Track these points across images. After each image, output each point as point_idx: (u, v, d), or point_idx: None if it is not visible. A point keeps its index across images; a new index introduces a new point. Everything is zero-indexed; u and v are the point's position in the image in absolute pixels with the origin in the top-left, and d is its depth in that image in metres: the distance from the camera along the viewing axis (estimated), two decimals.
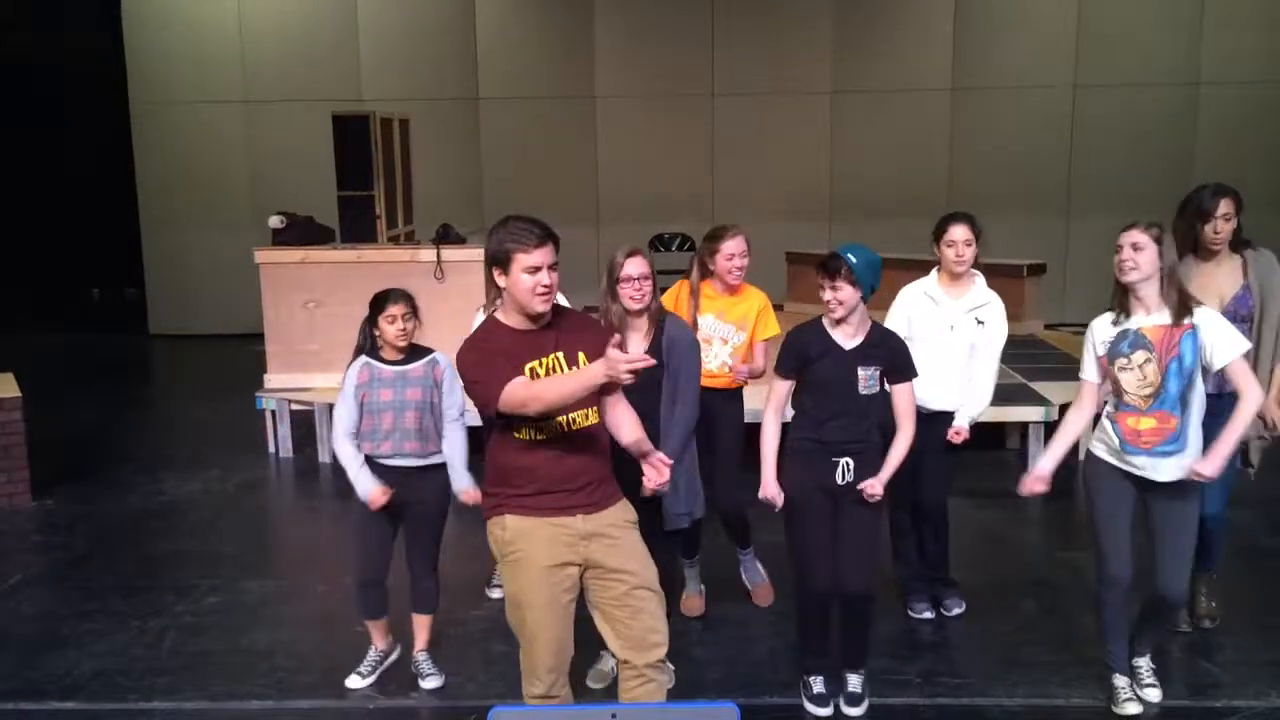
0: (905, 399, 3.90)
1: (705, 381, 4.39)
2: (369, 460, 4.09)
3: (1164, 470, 3.74)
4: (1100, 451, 3.88)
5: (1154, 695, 4.02)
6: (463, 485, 4.12)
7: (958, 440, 4.58)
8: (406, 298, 4.08)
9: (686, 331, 4.22)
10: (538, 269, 3.07)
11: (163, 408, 9.72)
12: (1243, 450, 4.37)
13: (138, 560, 5.71)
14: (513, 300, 3.14)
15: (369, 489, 4.03)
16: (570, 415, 3.14)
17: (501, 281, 3.12)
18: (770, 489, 3.92)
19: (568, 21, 12.01)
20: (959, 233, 4.53)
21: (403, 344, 4.07)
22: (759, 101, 11.89)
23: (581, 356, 3.17)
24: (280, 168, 11.58)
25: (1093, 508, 3.92)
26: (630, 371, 2.89)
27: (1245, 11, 11.46)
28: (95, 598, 5.19)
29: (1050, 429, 6.70)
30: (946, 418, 4.59)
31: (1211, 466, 3.66)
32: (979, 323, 4.56)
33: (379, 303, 4.07)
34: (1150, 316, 3.73)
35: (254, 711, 4.15)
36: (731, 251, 4.60)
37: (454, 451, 4.13)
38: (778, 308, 4.83)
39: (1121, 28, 11.50)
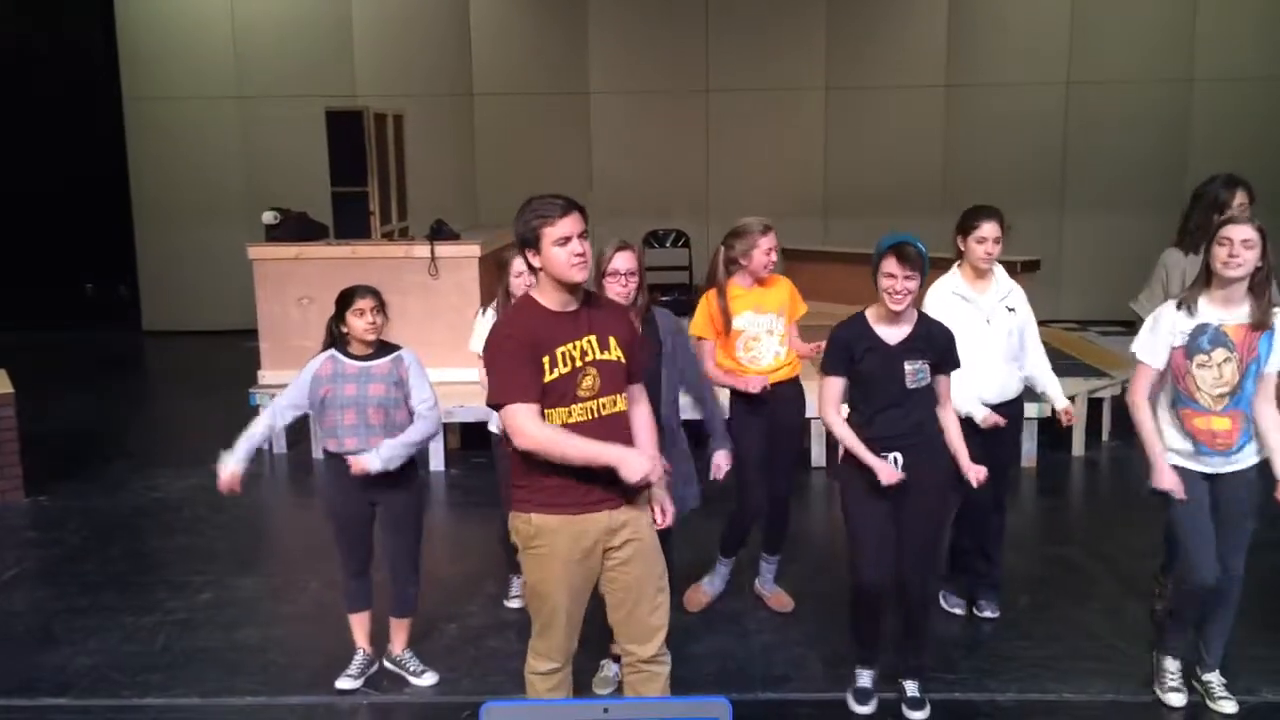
0: (945, 387, 3.86)
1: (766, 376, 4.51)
2: (337, 458, 4.05)
3: (1236, 464, 3.73)
4: (1170, 457, 3.77)
5: (1230, 707, 3.92)
6: (365, 458, 3.94)
7: (1070, 421, 4.56)
8: (374, 293, 4.07)
9: (675, 321, 4.24)
10: (567, 239, 3.06)
11: (156, 404, 9.71)
12: None
13: (131, 556, 5.71)
14: (549, 278, 3.12)
15: (229, 466, 4.08)
16: (601, 399, 3.14)
17: (536, 262, 3.11)
18: (882, 466, 3.74)
19: (562, 17, 12.00)
20: (990, 229, 4.41)
21: (371, 338, 4.05)
22: (753, 97, 11.89)
23: (613, 341, 3.17)
24: (274, 164, 11.56)
25: (1173, 514, 3.80)
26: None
27: (1238, 8, 11.48)
28: (88, 594, 5.19)
29: (1044, 425, 6.72)
30: (1003, 410, 4.51)
31: None
32: (1010, 310, 4.53)
33: (346, 298, 4.06)
34: (1230, 314, 3.66)
35: (247, 707, 4.15)
36: (769, 246, 4.58)
37: (408, 432, 4.02)
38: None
39: (1115, 24, 11.53)
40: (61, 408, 8.67)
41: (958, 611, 4.76)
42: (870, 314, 3.82)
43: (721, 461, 4.29)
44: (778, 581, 4.96)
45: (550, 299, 3.15)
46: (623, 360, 3.19)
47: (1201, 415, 3.69)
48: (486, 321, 4.70)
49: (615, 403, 3.18)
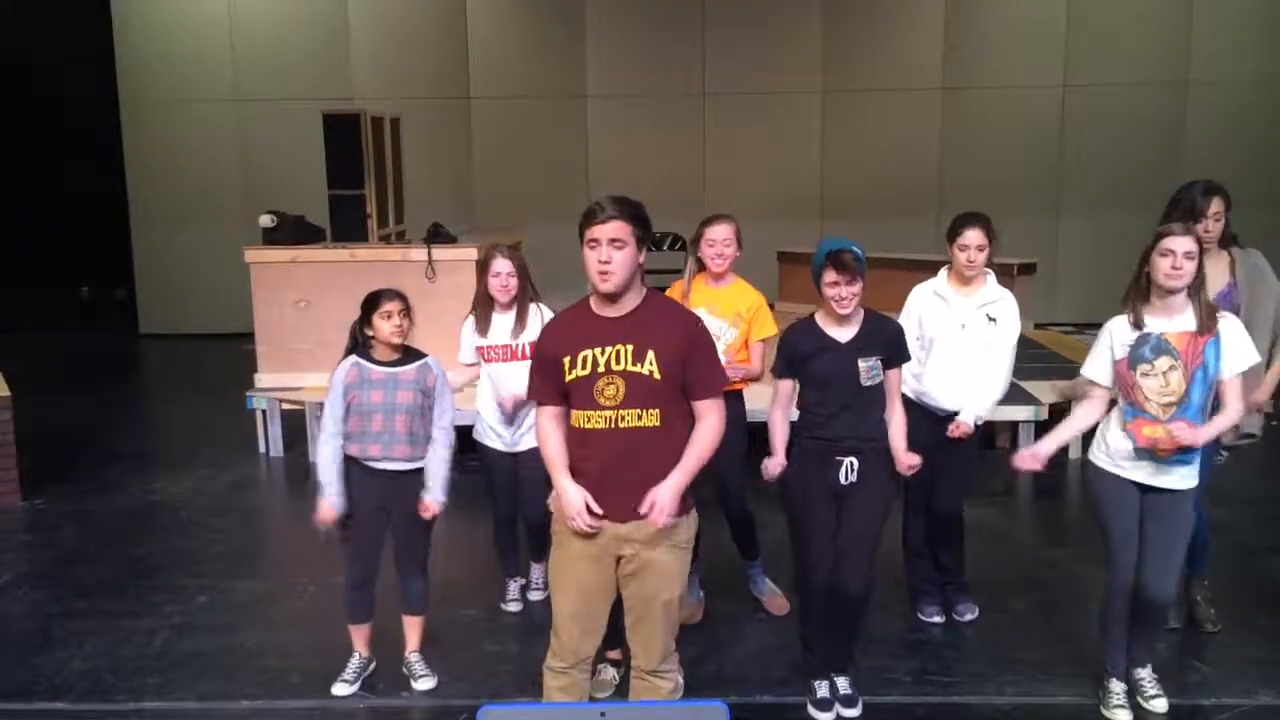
0: (895, 380, 3.93)
1: None
2: (356, 462, 4.06)
3: (1171, 478, 3.74)
4: (1102, 461, 3.83)
5: (1160, 705, 3.95)
6: (431, 497, 4.06)
7: (956, 434, 4.46)
8: (401, 296, 4.04)
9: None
10: (597, 243, 3.04)
11: (153, 407, 9.70)
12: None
13: (127, 560, 5.70)
14: (588, 280, 3.13)
15: (328, 504, 4.03)
16: (623, 410, 3.09)
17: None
18: (776, 460, 3.90)
19: (559, 20, 12.01)
20: (972, 237, 4.41)
21: (397, 341, 4.02)
22: (750, 101, 11.91)
23: (651, 355, 3.07)
24: (271, 166, 11.56)
25: (1101, 515, 3.86)
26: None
27: (1233, 10, 11.52)
28: (85, 597, 5.18)
29: (1040, 429, 6.72)
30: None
31: (1190, 435, 3.62)
32: (990, 320, 4.48)
33: (373, 301, 4.02)
34: (1173, 322, 3.69)
35: (244, 711, 4.14)
36: (714, 238, 4.52)
37: (434, 463, 4.08)
38: (769, 307, 4.79)
39: (1110, 27, 11.56)
40: (58, 410, 8.66)
41: (937, 620, 4.74)
42: (819, 316, 3.89)
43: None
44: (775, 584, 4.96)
45: (596, 300, 3.17)
46: (657, 376, 3.07)
47: (1149, 424, 3.69)
48: (469, 331, 4.68)
49: (641, 416, 3.09)
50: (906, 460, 3.92)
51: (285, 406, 7.56)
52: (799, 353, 3.87)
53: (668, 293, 4.57)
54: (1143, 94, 11.56)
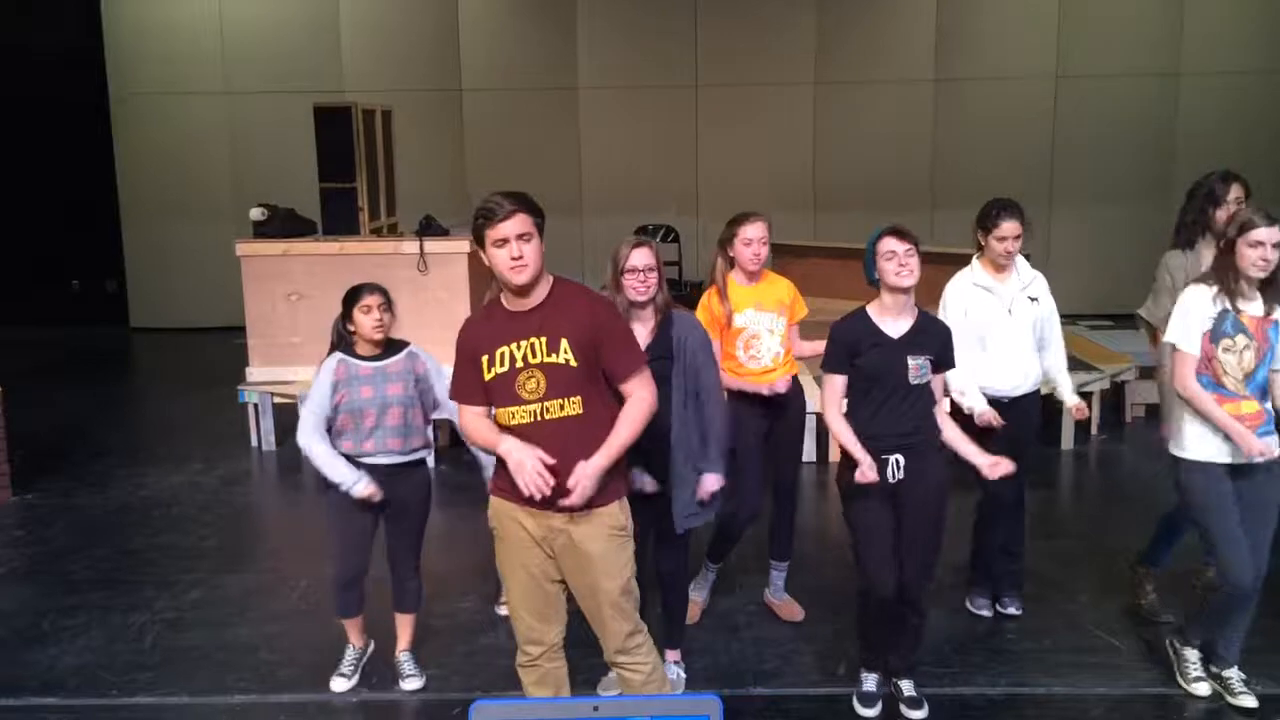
0: (940, 386, 3.84)
1: (760, 377, 4.45)
2: (349, 459, 4.02)
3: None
4: (1200, 452, 3.80)
5: (1249, 701, 3.91)
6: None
7: (1082, 416, 4.61)
8: (381, 290, 4.00)
9: (697, 330, 4.03)
10: (505, 241, 3.05)
11: (144, 401, 9.66)
12: None
13: (119, 555, 5.68)
14: (498, 278, 3.14)
15: (356, 483, 3.94)
16: (546, 402, 3.09)
17: (485, 261, 3.13)
18: (867, 462, 3.66)
19: (551, 11, 11.97)
20: (1011, 228, 4.39)
21: (378, 336, 3.99)
22: (742, 93, 11.88)
23: (564, 344, 3.09)
24: (261, 159, 11.52)
25: (1207, 516, 3.82)
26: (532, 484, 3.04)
27: (1225, 2, 11.52)
28: (76, 593, 5.16)
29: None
30: (1026, 402, 4.54)
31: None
32: (1032, 300, 4.52)
33: (353, 296, 3.99)
34: (1246, 305, 3.76)
35: (237, 705, 4.13)
36: (750, 236, 4.46)
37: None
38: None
39: (1103, 19, 11.55)
40: (49, 405, 8.63)
41: (985, 613, 4.70)
42: (872, 309, 3.79)
43: (710, 485, 3.95)
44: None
45: (508, 298, 3.17)
46: (573, 363, 3.08)
47: (1230, 400, 3.75)
48: None
49: (563, 406, 3.09)
50: (995, 468, 3.75)
51: (277, 400, 7.54)
52: (852, 346, 3.74)
53: (703, 298, 4.55)
54: (1135, 85, 11.56)
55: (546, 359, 3.09)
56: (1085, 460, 7.18)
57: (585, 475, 3.07)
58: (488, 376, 3.14)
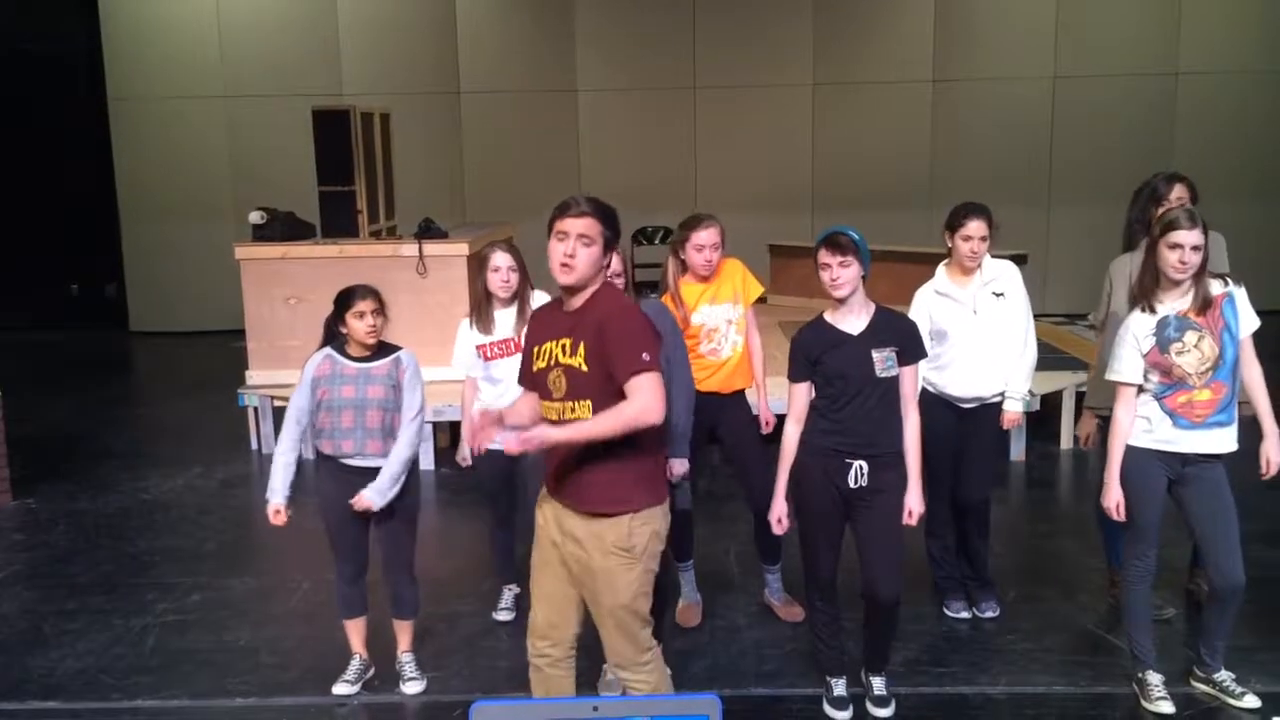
0: (910, 381, 3.78)
1: (714, 383, 4.44)
2: (331, 460, 4.02)
3: (1211, 442, 3.73)
4: (1139, 440, 3.80)
5: (1252, 701, 3.88)
6: (369, 491, 3.93)
7: (1010, 427, 4.53)
8: (374, 294, 3.99)
9: (665, 315, 4.09)
10: (565, 236, 3.06)
11: (144, 405, 9.66)
12: None
13: (119, 558, 5.69)
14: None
15: (269, 501, 4.00)
16: (566, 402, 3.11)
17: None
18: (779, 509, 3.82)
19: (549, 15, 11.99)
20: (976, 227, 4.37)
21: (371, 341, 3.98)
22: (741, 94, 11.90)
23: (582, 348, 3.08)
24: (260, 163, 11.53)
25: (1134, 504, 3.83)
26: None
27: (1223, 1, 11.53)
28: (77, 596, 5.17)
29: (1030, 420, 6.75)
30: (994, 407, 4.52)
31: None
32: (997, 295, 4.46)
33: (345, 299, 3.98)
34: (1183, 302, 3.71)
35: (238, 709, 4.14)
36: (702, 243, 4.44)
37: (396, 451, 3.98)
38: (760, 300, 4.77)
39: (1100, 19, 11.58)
40: (48, 409, 8.63)
41: (963, 615, 4.70)
42: (828, 314, 3.80)
43: (676, 469, 4.07)
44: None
45: (564, 296, 3.19)
46: (584, 368, 3.07)
47: (1184, 392, 3.72)
48: (464, 335, 4.57)
49: (575, 409, 3.09)
50: (913, 514, 3.76)
51: (277, 403, 7.53)
52: (812, 352, 3.75)
53: (662, 301, 4.54)
54: (1133, 85, 11.57)
55: (567, 360, 3.11)
56: (1084, 458, 7.18)
57: (532, 433, 3.05)
58: (534, 369, 3.22)
